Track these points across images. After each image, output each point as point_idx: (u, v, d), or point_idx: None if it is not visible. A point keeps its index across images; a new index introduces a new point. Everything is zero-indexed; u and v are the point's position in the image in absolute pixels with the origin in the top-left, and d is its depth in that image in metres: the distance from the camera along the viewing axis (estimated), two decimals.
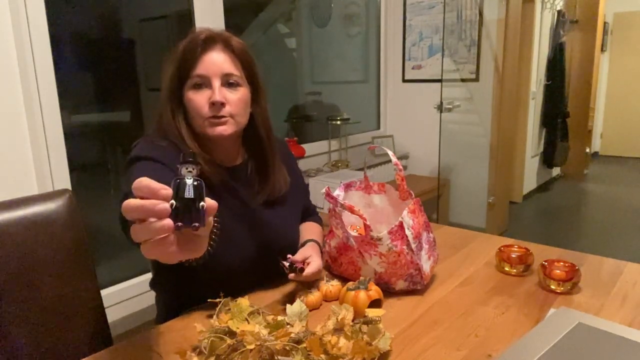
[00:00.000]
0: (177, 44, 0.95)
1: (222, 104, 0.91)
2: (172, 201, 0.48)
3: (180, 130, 0.94)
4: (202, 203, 0.48)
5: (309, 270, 0.94)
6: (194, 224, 0.48)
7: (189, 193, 0.48)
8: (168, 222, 0.47)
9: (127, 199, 0.71)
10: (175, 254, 0.50)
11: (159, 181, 0.50)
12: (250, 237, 1.01)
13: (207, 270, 0.96)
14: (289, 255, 0.94)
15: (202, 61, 0.91)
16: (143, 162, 0.87)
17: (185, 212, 0.48)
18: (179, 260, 0.52)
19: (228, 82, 0.93)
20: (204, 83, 0.91)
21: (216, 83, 0.91)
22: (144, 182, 0.48)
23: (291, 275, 0.92)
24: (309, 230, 1.16)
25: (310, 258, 0.97)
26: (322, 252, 1.08)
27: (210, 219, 0.52)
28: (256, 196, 1.04)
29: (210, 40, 0.92)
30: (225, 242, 0.96)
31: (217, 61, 0.91)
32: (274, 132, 1.08)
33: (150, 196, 0.47)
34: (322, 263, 0.99)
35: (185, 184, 0.48)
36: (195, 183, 0.48)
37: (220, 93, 0.90)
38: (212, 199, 0.51)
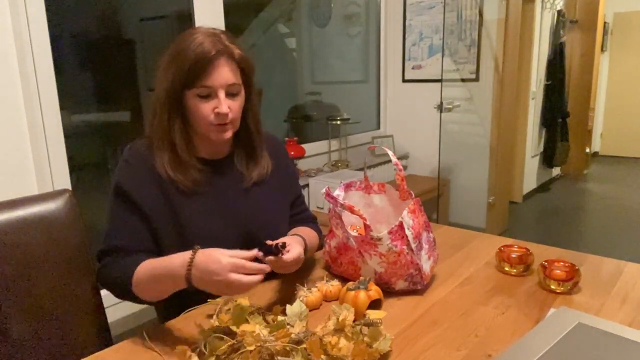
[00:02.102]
0: (176, 44, 0.97)
1: (227, 114, 0.97)
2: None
3: (174, 138, 0.99)
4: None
5: (289, 255, 0.89)
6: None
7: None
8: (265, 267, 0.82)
9: (109, 257, 0.97)
10: None
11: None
12: (236, 226, 1.04)
13: None
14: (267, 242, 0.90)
15: (210, 74, 0.95)
16: (121, 200, 0.98)
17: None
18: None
19: (230, 92, 0.98)
20: (210, 94, 0.96)
21: (222, 94, 0.96)
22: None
23: (269, 259, 0.87)
24: (300, 230, 1.13)
25: (289, 246, 0.92)
26: (306, 247, 1.03)
27: None
28: (241, 184, 1.08)
29: (218, 54, 0.95)
30: (213, 236, 0.99)
31: (222, 73, 0.96)
32: (273, 132, 1.13)
33: None
34: (302, 253, 0.94)
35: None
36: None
37: (225, 104, 0.96)
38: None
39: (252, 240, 1.01)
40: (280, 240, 0.92)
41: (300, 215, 1.22)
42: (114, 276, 0.92)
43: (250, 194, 1.08)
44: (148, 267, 0.88)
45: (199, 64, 0.94)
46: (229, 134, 1.00)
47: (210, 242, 0.99)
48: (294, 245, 0.94)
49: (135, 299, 0.92)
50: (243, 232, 1.04)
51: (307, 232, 1.15)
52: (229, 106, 0.97)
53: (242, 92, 1.01)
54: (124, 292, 0.91)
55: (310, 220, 1.24)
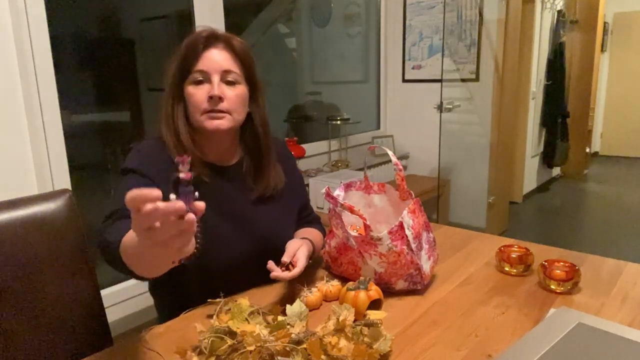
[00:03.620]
0: (181, 42, 0.97)
1: (220, 99, 0.94)
2: (173, 196, 0.52)
3: (177, 124, 0.97)
4: (196, 193, 0.54)
5: (295, 271, 0.92)
6: (192, 211, 0.53)
7: (187, 187, 0.53)
8: (180, 204, 0.51)
9: (108, 221, 0.83)
10: (180, 249, 0.55)
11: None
12: (243, 235, 1.02)
13: (203, 270, 0.97)
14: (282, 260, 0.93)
15: (203, 58, 0.94)
16: (132, 176, 0.92)
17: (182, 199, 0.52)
18: (176, 259, 0.58)
19: (227, 79, 0.95)
20: (204, 79, 0.94)
21: (215, 79, 0.94)
22: (134, 191, 0.50)
23: (275, 275, 0.90)
24: (306, 232, 1.15)
25: (299, 252, 0.95)
26: (314, 253, 1.07)
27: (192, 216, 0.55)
28: (249, 194, 1.05)
29: (212, 38, 0.95)
30: (218, 240, 0.98)
31: (217, 58, 0.94)
32: (273, 132, 1.10)
33: (143, 201, 0.50)
34: (305, 263, 0.96)
35: (184, 179, 0.53)
36: (190, 176, 0.54)
37: (218, 88, 0.94)
38: (204, 198, 0.55)
39: (261, 246, 1.01)
40: (288, 254, 0.93)
41: (306, 218, 1.23)
42: (107, 240, 0.79)
43: (259, 206, 1.06)
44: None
45: (192, 48, 0.93)
46: (224, 124, 0.95)
47: (219, 243, 0.98)
48: (300, 259, 0.95)
49: (125, 269, 0.74)
50: (252, 238, 1.02)
51: (313, 233, 1.16)
52: (223, 92, 0.94)
53: (244, 86, 0.98)
54: (114, 258, 0.75)
55: (315, 221, 1.25)
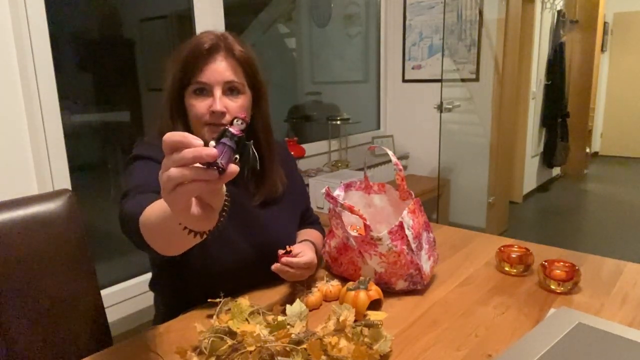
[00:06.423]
0: (180, 45, 0.96)
1: (222, 113, 0.92)
2: (212, 142, 0.48)
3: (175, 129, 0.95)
4: (236, 155, 0.49)
5: (300, 259, 0.93)
6: (221, 166, 0.48)
7: (230, 141, 0.49)
8: (213, 150, 0.47)
9: (127, 197, 0.80)
10: (196, 216, 0.50)
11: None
12: (246, 238, 1.01)
13: (205, 271, 0.97)
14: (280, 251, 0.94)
15: (204, 69, 0.91)
16: (143, 160, 0.90)
17: (220, 154, 0.48)
18: (194, 228, 0.53)
19: (229, 89, 0.94)
20: (205, 90, 0.92)
21: (217, 92, 0.92)
22: (177, 132, 0.48)
23: (275, 267, 0.91)
24: (307, 234, 1.15)
25: (301, 253, 0.95)
26: (317, 252, 1.07)
27: (224, 190, 0.52)
28: (252, 198, 1.04)
29: (213, 48, 0.92)
30: (222, 243, 0.97)
31: (219, 69, 0.92)
32: (275, 133, 1.09)
33: (185, 145, 0.47)
34: (315, 258, 0.97)
35: (230, 132, 0.49)
36: (239, 134, 0.50)
37: (220, 102, 0.91)
38: None
39: (264, 250, 1.01)
40: (290, 249, 0.94)
41: (307, 220, 1.23)
42: (128, 210, 0.76)
43: (262, 210, 1.05)
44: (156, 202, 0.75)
45: (193, 59, 0.91)
46: None
47: (222, 246, 0.98)
48: (305, 252, 0.96)
49: (143, 244, 0.71)
50: (255, 242, 1.02)
51: (314, 235, 1.16)
52: (226, 105, 0.92)
53: (247, 95, 0.97)
54: (135, 231, 0.72)
55: (315, 222, 1.25)
